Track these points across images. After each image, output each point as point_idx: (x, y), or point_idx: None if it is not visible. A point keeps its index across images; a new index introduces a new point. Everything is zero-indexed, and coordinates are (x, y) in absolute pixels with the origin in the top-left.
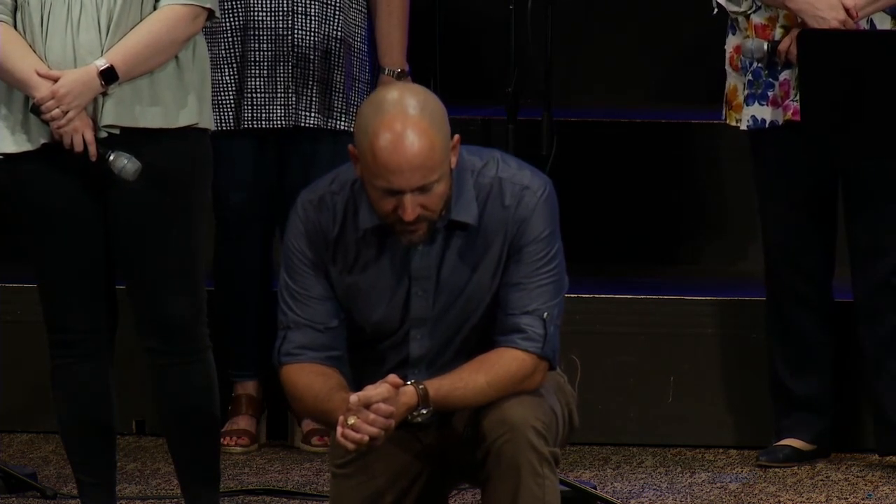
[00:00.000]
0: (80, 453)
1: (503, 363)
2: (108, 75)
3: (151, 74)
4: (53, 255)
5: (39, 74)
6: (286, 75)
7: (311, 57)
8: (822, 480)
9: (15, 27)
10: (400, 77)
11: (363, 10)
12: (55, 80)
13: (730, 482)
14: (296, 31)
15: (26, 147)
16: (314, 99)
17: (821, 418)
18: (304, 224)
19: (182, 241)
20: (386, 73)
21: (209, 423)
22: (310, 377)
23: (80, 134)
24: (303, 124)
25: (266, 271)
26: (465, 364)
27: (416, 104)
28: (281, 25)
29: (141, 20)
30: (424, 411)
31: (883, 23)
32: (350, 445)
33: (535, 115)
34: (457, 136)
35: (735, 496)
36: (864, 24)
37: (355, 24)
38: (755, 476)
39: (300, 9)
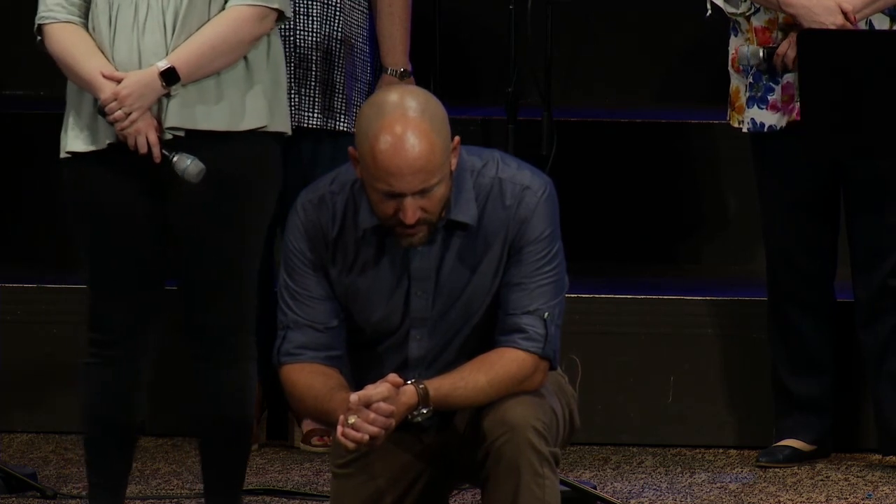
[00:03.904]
0: (92, 452)
1: (504, 363)
2: (169, 76)
3: (218, 75)
4: (103, 255)
5: (104, 76)
6: (288, 76)
7: (313, 57)
8: (822, 480)
9: (87, 28)
10: (402, 77)
11: (364, 10)
12: (119, 82)
13: (730, 482)
14: (297, 32)
15: (92, 147)
16: (316, 99)
17: (821, 419)
18: (303, 224)
19: (234, 248)
20: (388, 72)
21: (238, 432)
22: (310, 377)
23: (143, 135)
24: (305, 125)
25: (267, 271)
26: (466, 364)
27: (416, 107)
28: (282, 26)
29: (209, 21)
30: (425, 411)
31: (881, 24)
32: (350, 444)
33: (535, 115)
34: (457, 138)
35: (735, 496)
36: (862, 26)
37: (357, 24)
38: (755, 476)
39: (301, 9)
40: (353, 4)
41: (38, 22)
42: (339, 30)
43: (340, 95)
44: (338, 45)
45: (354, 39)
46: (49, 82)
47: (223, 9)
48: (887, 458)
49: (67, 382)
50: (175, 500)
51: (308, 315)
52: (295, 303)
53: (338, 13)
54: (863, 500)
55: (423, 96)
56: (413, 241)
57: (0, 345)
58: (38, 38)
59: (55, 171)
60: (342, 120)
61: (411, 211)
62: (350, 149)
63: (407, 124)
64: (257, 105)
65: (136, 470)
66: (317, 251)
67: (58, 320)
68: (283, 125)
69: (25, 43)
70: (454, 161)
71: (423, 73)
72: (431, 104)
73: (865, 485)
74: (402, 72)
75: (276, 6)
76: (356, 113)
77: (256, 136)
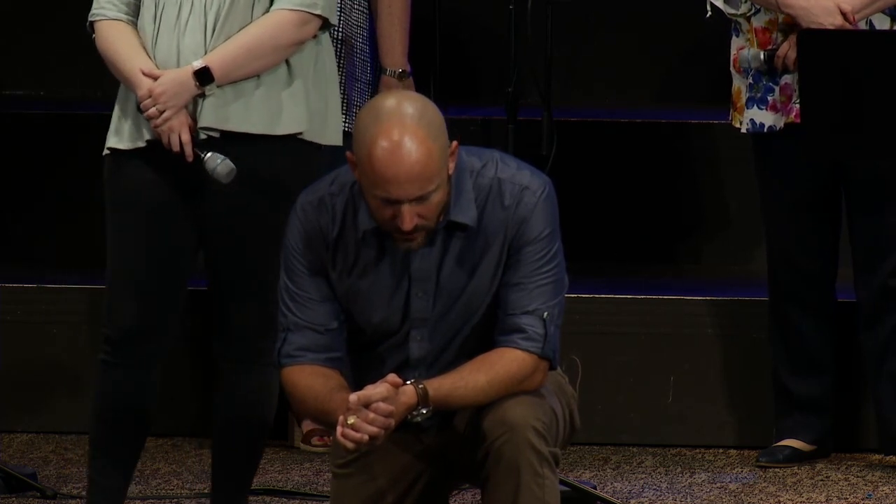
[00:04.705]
0: (97, 451)
1: (503, 363)
2: (203, 76)
3: (258, 78)
4: (127, 252)
5: (143, 73)
6: None
7: None
8: (822, 480)
9: (136, 26)
10: (401, 77)
11: (364, 10)
12: (157, 79)
13: (730, 482)
14: None
15: (132, 144)
16: None
17: (821, 419)
18: (303, 225)
19: (264, 250)
20: (388, 73)
21: (253, 434)
22: (310, 378)
23: (176, 134)
24: None
25: None
26: (466, 364)
27: (413, 113)
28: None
29: (251, 23)
30: (424, 411)
31: (882, 24)
32: (350, 445)
33: (535, 115)
34: (455, 143)
35: (735, 496)
36: (862, 26)
37: (357, 25)
38: (755, 476)
39: None
40: (352, 4)
41: (89, 19)
42: (339, 30)
43: (341, 95)
44: (338, 45)
45: (354, 39)
46: (49, 82)
47: (267, 11)
48: (887, 458)
49: (67, 382)
50: (175, 500)
51: (308, 317)
52: (295, 305)
53: (338, 13)
54: (863, 500)
55: (420, 102)
56: (411, 245)
57: (0, 345)
58: (92, 35)
59: (55, 170)
60: (343, 120)
61: (408, 218)
62: (348, 153)
63: (404, 131)
64: (296, 111)
65: (137, 470)
66: (316, 252)
67: (58, 320)
68: (322, 136)
69: (25, 43)
70: (452, 165)
71: (423, 74)
72: (429, 110)
73: (865, 485)
74: (400, 72)
75: (318, 12)
76: (356, 113)
77: (294, 142)
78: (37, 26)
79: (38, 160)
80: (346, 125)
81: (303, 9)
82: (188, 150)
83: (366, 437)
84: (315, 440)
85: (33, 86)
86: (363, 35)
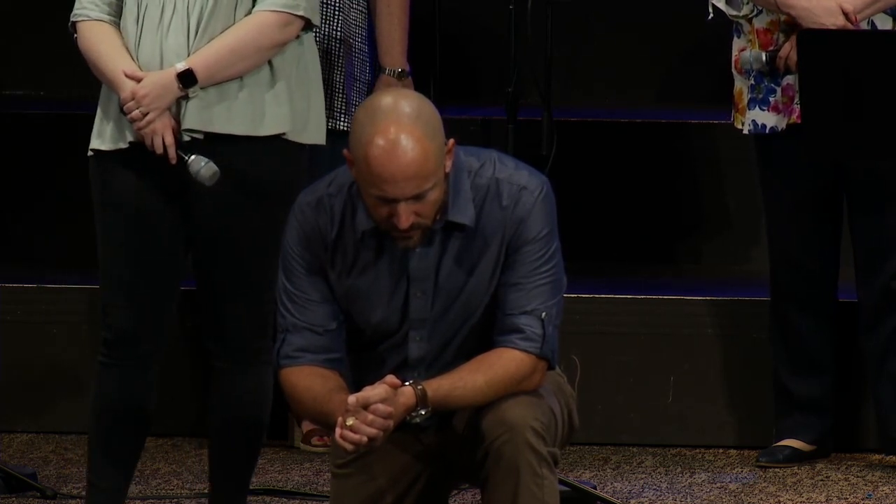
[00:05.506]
0: (96, 453)
1: (502, 363)
2: (186, 78)
3: (241, 79)
4: (117, 254)
5: (126, 74)
6: None
7: None
8: (822, 480)
9: (119, 27)
10: (400, 77)
11: (363, 10)
12: (140, 81)
13: (730, 482)
14: None
15: (115, 145)
16: None
17: (821, 419)
18: (302, 226)
19: (250, 251)
20: (387, 72)
21: (250, 434)
22: (309, 379)
23: (159, 136)
24: None
25: None
26: (464, 364)
27: (410, 112)
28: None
29: (234, 24)
30: (423, 412)
31: (884, 24)
32: (348, 446)
33: (535, 115)
34: (451, 141)
35: (735, 496)
36: (864, 26)
37: (356, 24)
38: (755, 476)
39: None
40: (351, 4)
41: (71, 19)
42: (339, 29)
43: (340, 95)
44: (337, 45)
45: (353, 39)
46: (49, 82)
47: (250, 13)
48: (887, 458)
49: (67, 382)
50: (175, 500)
51: (307, 318)
52: (294, 306)
53: (337, 13)
54: (863, 500)
55: (416, 101)
56: (408, 244)
57: (0, 345)
58: (74, 35)
59: (55, 170)
60: (342, 120)
61: (405, 216)
62: (345, 151)
63: (400, 130)
64: (279, 112)
65: (137, 470)
66: (315, 253)
67: (58, 320)
68: (304, 136)
69: (25, 43)
70: (448, 163)
71: (422, 74)
72: (425, 109)
73: (865, 485)
74: (399, 72)
75: (300, 13)
76: None
77: (278, 142)
78: (37, 26)
79: (38, 160)
80: (346, 125)
81: (285, 10)
82: (171, 152)
83: (364, 438)
84: (315, 440)
85: (33, 86)
86: (362, 35)
